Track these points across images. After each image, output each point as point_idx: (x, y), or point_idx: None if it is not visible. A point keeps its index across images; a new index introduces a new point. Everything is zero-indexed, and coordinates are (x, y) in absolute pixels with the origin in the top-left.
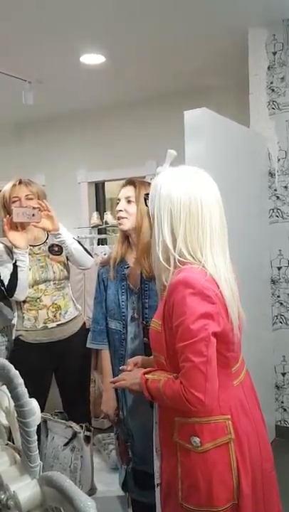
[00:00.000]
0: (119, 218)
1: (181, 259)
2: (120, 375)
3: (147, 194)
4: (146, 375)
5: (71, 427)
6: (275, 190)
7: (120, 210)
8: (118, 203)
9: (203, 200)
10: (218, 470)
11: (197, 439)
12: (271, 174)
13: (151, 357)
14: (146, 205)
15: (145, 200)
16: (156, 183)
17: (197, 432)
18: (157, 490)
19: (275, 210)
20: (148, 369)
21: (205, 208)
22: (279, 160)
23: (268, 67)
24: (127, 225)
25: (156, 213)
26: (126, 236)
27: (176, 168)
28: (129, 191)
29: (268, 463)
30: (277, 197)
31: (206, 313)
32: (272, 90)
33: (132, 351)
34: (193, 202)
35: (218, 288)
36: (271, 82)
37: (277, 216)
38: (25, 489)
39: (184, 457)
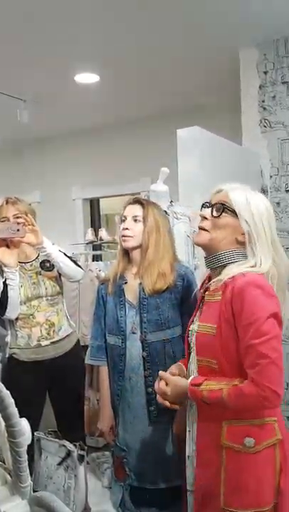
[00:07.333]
0: (124, 236)
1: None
2: (161, 389)
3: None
4: (197, 387)
5: (64, 445)
6: None
7: (126, 229)
8: (124, 220)
9: None
10: (266, 470)
11: (251, 440)
12: (263, 191)
13: (178, 363)
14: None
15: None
16: (260, 199)
17: (251, 433)
18: (190, 497)
19: None
20: (195, 379)
21: None
22: (271, 177)
23: (260, 86)
24: (131, 243)
25: (252, 226)
26: (126, 252)
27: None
28: (137, 210)
29: None
30: None
31: (275, 314)
32: (264, 109)
33: (130, 366)
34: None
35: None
36: (263, 101)
37: None
38: (16, 509)
39: (230, 460)
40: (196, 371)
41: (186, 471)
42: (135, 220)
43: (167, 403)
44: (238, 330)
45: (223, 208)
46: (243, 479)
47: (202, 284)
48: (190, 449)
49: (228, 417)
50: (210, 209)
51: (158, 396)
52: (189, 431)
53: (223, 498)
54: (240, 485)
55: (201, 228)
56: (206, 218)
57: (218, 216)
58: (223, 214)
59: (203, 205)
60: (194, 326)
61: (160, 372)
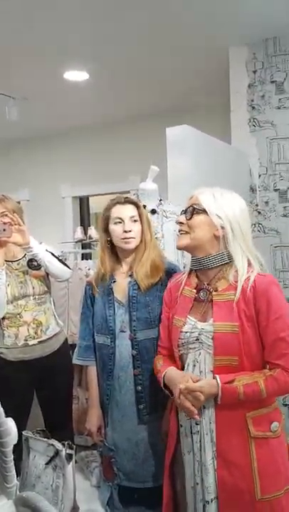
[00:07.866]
0: (127, 238)
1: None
2: (196, 391)
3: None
4: (231, 384)
5: (53, 445)
6: (257, 205)
7: (130, 231)
8: (120, 223)
9: None
10: (285, 448)
11: (277, 424)
12: (252, 190)
13: (178, 370)
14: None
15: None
16: (232, 197)
17: (274, 417)
18: (212, 506)
19: (256, 225)
20: (224, 377)
21: None
22: (260, 176)
23: (249, 85)
24: (134, 244)
25: (224, 219)
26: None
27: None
28: (132, 211)
29: None
30: (259, 212)
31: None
32: (253, 108)
33: (120, 365)
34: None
35: None
36: (252, 100)
37: (259, 231)
38: (2, 510)
39: (261, 449)
40: (209, 371)
41: (187, 478)
42: (134, 221)
43: (196, 412)
44: (262, 326)
45: (193, 209)
46: (275, 463)
47: (177, 283)
48: (209, 452)
49: (248, 409)
50: (184, 214)
51: (189, 406)
52: (207, 434)
53: (259, 488)
54: (274, 469)
55: (180, 233)
56: (182, 223)
57: (191, 218)
58: (195, 215)
59: (181, 213)
60: (204, 326)
61: (190, 385)
